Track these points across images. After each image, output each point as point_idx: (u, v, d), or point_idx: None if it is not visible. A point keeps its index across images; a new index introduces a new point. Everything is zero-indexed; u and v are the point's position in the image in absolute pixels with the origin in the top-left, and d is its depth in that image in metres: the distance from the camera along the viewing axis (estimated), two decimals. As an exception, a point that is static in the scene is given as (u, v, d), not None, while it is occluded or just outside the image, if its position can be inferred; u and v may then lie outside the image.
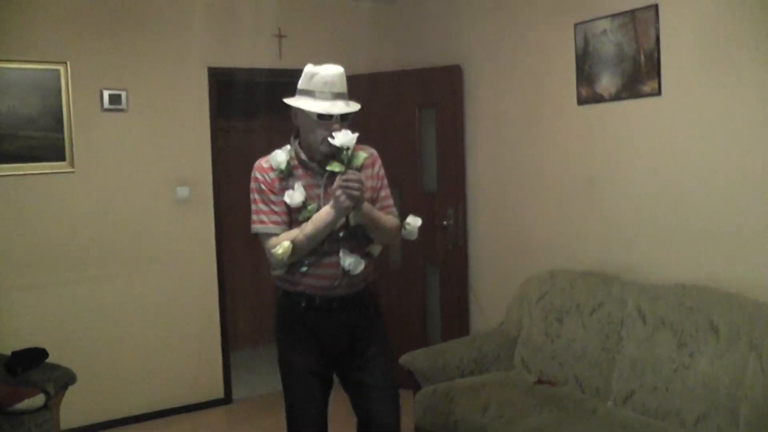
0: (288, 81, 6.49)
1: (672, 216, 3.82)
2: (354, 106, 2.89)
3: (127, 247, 5.02)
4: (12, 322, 4.60)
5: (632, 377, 3.54)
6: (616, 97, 4.06)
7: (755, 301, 3.19)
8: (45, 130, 4.70)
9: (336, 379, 3.11)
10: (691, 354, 3.30)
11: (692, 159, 3.70)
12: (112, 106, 4.91)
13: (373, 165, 3.03)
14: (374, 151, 3.08)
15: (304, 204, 2.87)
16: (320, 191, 2.91)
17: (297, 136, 3.00)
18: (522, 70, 4.77)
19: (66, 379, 4.01)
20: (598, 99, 4.18)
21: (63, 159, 4.77)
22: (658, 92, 3.81)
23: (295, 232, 2.84)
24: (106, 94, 4.88)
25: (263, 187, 2.93)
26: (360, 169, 2.94)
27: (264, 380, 5.96)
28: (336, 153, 2.84)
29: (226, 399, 5.44)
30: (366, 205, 2.86)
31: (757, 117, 3.39)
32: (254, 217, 2.97)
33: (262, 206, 2.94)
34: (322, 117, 2.83)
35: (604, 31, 4.09)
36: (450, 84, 5.28)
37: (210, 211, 5.33)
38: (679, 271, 3.73)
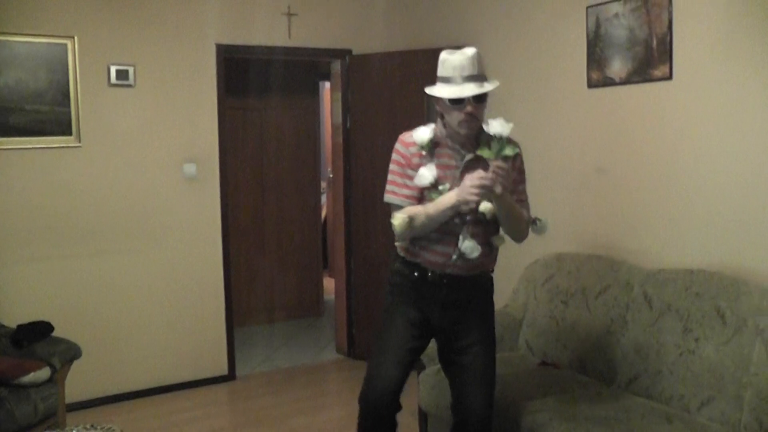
0: (297, 60, 6.56)
1: (681, 201, 3.80)
2: (489, 86, 2.88)
3: (133, 223, 5.02)
4: (17, 295, 4.62)
5: (637, 361, 3.54)
6: (627, 81, 4.04)
7: (762, 288, 3.18)
8: (52, 104, 4.69)
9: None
10: (696, 339, 3.30)
11: (702, 144, 3.68)
12: (120, 82, 4.90)
13: (515, 159, 3.03)
14: (519, 147, 3.07)
15: (435, 184, 2.90)
16: (456, 172, 2.92)
17: (442, 117, 3.00)
18: (532, 52, 4.75)
19: (71, 352, 4.02)
20: (608, 83, 4.16)
21: (70, 133, 4.76)
22: (670, 77, 3.79)
23: (419, 209, 2.89)
24: (113, 69, 4.86)
25: (401, 159, 2.98)
26: (505, 160, 2.94)
27: (268, 357, 6.00)
28: (489, 140, 2.90)
29: (230, 376, 5.46)
30: (508, 196, 2.88)
31: (767, 104, 3.37)
32: (387, 186, 3.03)
33: (396, 177, 3.00)
34: (453, 102, 2.84)
35: (617, 15, 4.06)
36: (459, 65, 5.24)
37: (216, 189, 5.32)
38: (687, 257, 3.72)
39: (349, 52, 5.72)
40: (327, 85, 7.43)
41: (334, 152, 6.11)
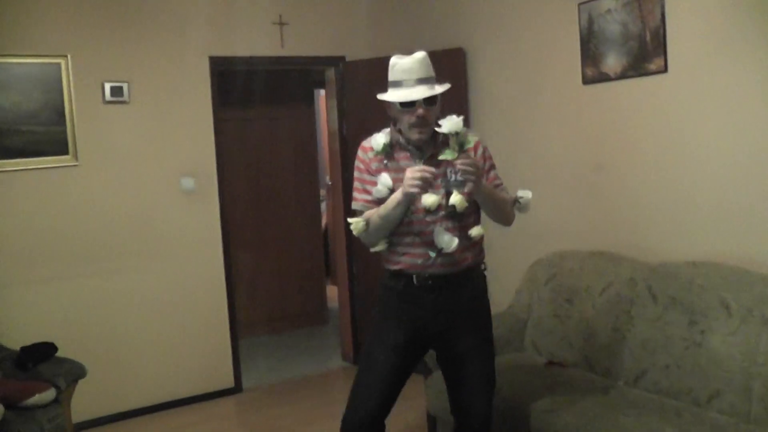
0: (290, 69, 6.54)
1: (680, 194, 3.80)
2: (439, 89, 2.89)
3: (133, 240, 5.01)
4: (20, 317, 4.60)
5: (644, 357, 3.53)
6: (622, 76, 4.03)
7: (766, 277, 3.18)
8: (48, 124, 4.68)
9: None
10: (702, 332, 3.29)
11: (701, 135, 3.68)
12: (114, 99, 4.89)
13: (475, 151, 3.02)
14: (478, 137, 3.07)
15: (393, 191, 2.90)
16: None
17: (396, 123, 3.01)
18: (525, 51, 4.74)
19: (76, 372, 4.01)
20: (603, 78, 4.15)
21: (66, 153, 4.75)
22: (665, 70, 3.78)
23: (373, 211, 2.93)
24: (107, 86, 4.86)
25: (361, 165, 3.05)
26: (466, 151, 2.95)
27: (274, 369, 5.98)
28: (446, 139, 2.87)
29: (237, 388, 5.44)
30: (485, 184, 2.90)
31: (764, 93, 3.36)
32: (353, 193, 3.07)
33: (357, 183, 3.06)
34: (404, 105, 2.85)
35: (609, 10, 4.06)
36: (453, 67, 5.24)
37: (215, 202, 5.31)
38: (689, 250, 3.71)
39: (343, 58, 5.72)
40: (322, 92, 7.42)
41: (331, 159, 6.10)
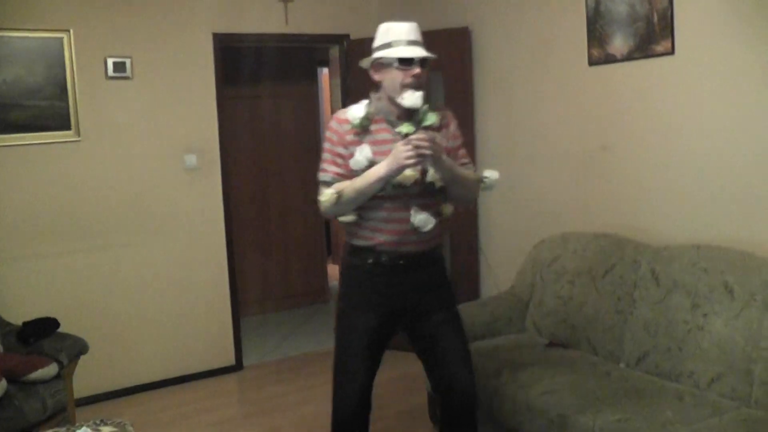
0: (293, 47, 6.50)
1: (685, 176, 3.78)
2: (432, 54, 2.90)
3: (135, 216, 5.01)
4: (22, 292, 4.61)
5: (645, 339, 3.53)
6: (629, 57, 4.00)
7: (770, 262, 3.17)
8: (50, 99, 4.66)
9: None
10: (705, 315, 3.28)
11: (706, 118, 3.66)
12: (117, 74, 4.87)
13: (448, 126, 3.02)
14: (449, 112, 3.07)
15: (372, 163, 2.86)
16: (395, 147, 2.89)
17: (377, 90, 2.98)
18: (531, 31, 4.71)
19: (78, 348, 4.02)
20: (609, 60, 4.12)
21: (69, 128, 4.74)
22: (672, 51, 3.76)
23: (347, 183, 2.86)
24: (110, 61, 4.83)
25: (334, 137, 2.95)
26: (438, 129, 2.94)
27: (275, 346, 6.00)
28: (410, 114, 2.88)
29: (238, 366, 5.46)
30: (447, 160, 2.86)
31: (772, 75, 3.34)
32: (320, 164, 2.99)
33: (327, 155, 2.97)
34: (402, 62, 2.83)
35: (616, -10, 4.02)
36: (458, 46, 5.22)
37: (218, 179, 5.30)
38: (693, 232, 3.70)
39: (347, 37, 5.68)
40: (325, 71, 7.38)
41: (334, 138, 6.07)
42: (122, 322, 4.98)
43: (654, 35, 3.83)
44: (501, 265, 5.11)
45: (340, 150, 2.92)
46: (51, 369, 3.77)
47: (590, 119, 4.33)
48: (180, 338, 5.21)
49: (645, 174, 4.00)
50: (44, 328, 4.08)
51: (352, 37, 5.66)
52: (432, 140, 2.74)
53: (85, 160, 4.81)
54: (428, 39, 5.49)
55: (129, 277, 5.01)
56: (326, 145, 2.97)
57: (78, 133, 4.76)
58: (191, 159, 5.16)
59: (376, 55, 2.90)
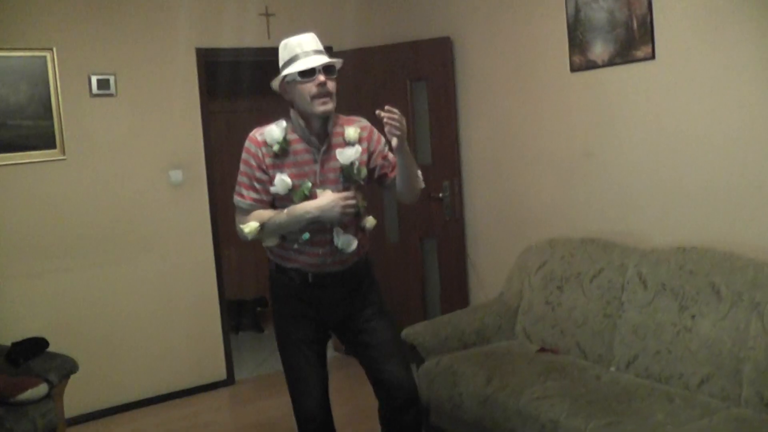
0: (277, 60, 6.48)
1: (670, 180, 3.81)
2: (336, 59, 2.91)
3: (122, 233, 4.99)
4: (10, 312, 4.58)
5: (635, 342, 3.54)
6: (610, 63, 4.04)
7: (756, 262, 3.20)
8: (34, 118, 4.65)
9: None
10: (692, 317, 3.30)
11: (688, 121, 3.69)
12: (101, 91, 4.86)
13: (370, 137, 3.04)
14: (366, 122, 3.08)
15: (294, 186, 2.88)
16: (316, 167, 2.92)
17: (292, 106, 2.99)
18: (513, 39, 4.74)
19: (68, 367, 3.99)
20: (591, 66, 4.16)
21: (54, 147, 4.72)
22: (652, 56, 3.79)
23: (269, 214, 2.87)
24: (94, 79, 4.83)
25: (252, 160, 2.93)
26: (358, 142, 2.97)
27: (266, 360, 5.97)
28: (325, 128, 2.93)
29: (229, 380, 5.44)
30: (405, 148, 2.86)
31: (751, 77, 3.38)
32: (236, 187, 2.98)
33: (244, 179, 2.95)
34: (304, 75, 2.83)
35: (595, -3, 4.06)
36: (440, 56, 5.24)
37: (204, 194, 5.29)
38: (679, 235, 3.73)
39: (330, 49, 5.69)
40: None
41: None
42: (112, 339, 4.96)
43: (634, 41, 3.87)
44: (489, 273, 5.13)
45: (259, 175, 2.91)
46: (41, 389, 3.74)
47: (573, 125, 4.35)
48: (171, 354, 5.19)
49: (629, 178, 4.03)
50: (33, 348, 4.05)
51: (334, 49, 5.67)
52: (402, 119, 2.76)
53: (70, 179, 4.80)
54: (410, 49, 5.56)
55: (118, 294, 4.99)
56: (244, 168, 2.96)
57: (63, 152, 4.75)
58: (177, 174, 5.16)
59: (283, 72, 2.91)
